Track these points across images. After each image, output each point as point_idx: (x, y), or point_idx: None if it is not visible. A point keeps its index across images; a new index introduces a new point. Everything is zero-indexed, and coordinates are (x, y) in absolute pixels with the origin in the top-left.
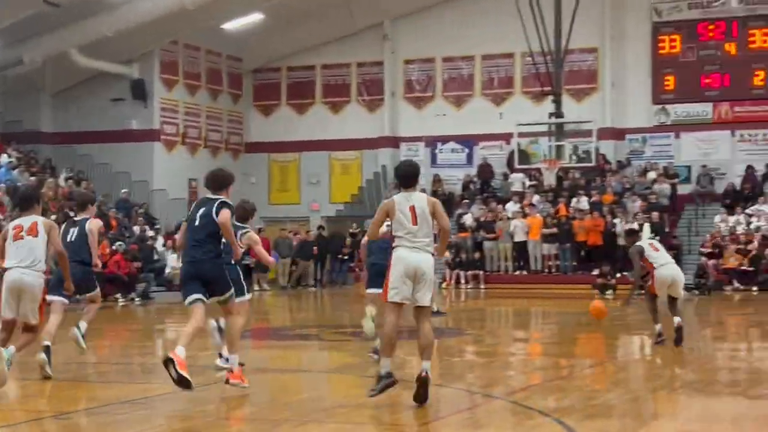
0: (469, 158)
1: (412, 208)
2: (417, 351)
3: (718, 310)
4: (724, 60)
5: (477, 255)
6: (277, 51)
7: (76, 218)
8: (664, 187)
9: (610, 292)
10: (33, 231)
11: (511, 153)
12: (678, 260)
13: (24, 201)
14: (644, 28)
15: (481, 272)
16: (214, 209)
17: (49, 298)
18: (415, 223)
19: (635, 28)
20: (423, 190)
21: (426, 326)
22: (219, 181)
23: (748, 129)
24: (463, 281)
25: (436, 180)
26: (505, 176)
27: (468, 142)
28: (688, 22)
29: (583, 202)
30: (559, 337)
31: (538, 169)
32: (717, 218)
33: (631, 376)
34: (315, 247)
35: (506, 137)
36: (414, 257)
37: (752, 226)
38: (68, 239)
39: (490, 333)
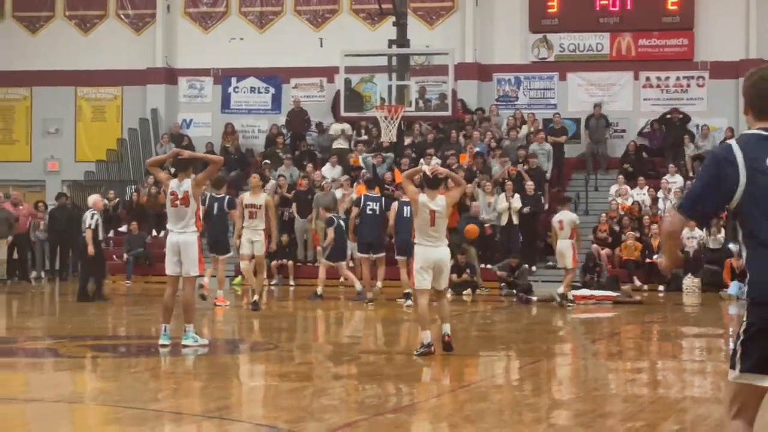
0: (277, 101)
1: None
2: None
3: (612, 318)
4: None
5: (284, 239)
6: None
7: None
8: (545, 147)
9: (468, 291)
10: (185, 201)
11: (336, 95)
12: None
13: (182, 165)
14: None
15: (290, 262)
16: None
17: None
18: None
19: None
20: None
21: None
22: None
23: (656, 70)
24: (264, 275)
25: (229, 131)
26: (321, 127)
27: (275, 78)
28: None
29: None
30: (395, 353)
31: (374, 120)
32: (613, 190)
33: (494, 407)
34: (41, 222)
35: (329, 72)
36: None
37: (660, 204)
38: None
39: (302, 348)
